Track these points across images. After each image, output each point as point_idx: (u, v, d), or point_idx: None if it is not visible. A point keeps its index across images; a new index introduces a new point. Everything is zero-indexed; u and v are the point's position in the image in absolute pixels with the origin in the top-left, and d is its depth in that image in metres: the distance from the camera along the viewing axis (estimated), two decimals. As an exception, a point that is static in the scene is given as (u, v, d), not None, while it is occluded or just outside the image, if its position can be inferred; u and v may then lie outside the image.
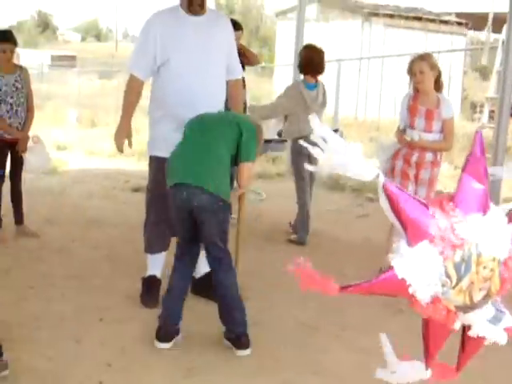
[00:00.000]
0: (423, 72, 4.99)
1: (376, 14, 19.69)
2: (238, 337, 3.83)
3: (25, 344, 3.76)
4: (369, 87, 17.56)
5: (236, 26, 5.62)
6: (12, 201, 6.07)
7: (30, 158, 6.06)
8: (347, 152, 2.62)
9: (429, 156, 5.07)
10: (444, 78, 5.30)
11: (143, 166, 11.02)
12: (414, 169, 5.10)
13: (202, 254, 4.73)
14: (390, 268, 2.96)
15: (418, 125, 5.07)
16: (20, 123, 5.90)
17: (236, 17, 62.92)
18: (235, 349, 3.82)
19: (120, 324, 4.16)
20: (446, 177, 9.99)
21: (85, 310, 4.33)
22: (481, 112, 14.27)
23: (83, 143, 13.69)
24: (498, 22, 22.56)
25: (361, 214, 7.56)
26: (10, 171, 6.05)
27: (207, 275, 4.76)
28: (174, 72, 4.28)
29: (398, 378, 3.38)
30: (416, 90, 5.13)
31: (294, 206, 6.43)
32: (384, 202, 3.05)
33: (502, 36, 9.47)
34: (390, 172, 5.17)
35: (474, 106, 20.26)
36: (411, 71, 5.07)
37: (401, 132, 5.19)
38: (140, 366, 3.60)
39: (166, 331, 3.89)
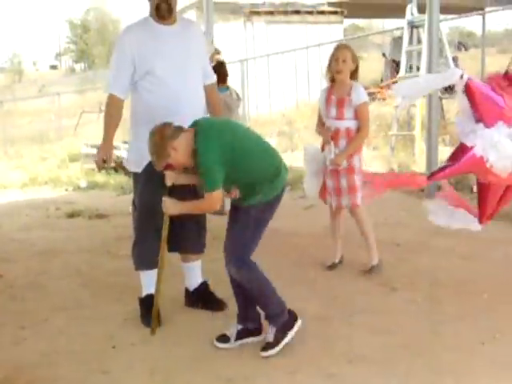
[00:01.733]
0: (345, 61, 4.97)
1: (257, 13, 19.85)
2: None
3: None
4: (257, 85, 17.66)
5: None
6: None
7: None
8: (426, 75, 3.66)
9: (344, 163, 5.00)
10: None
11: (61, 192, 10.70)
12: (331, 179, 5.09)
13: (195, 265, 4.65)
14: (469, 149, 3.72)
15: (331, 114, 5.05)
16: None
17: (92, 32, 60.22)
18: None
19: (135, 348, 3.99)
20: (369, 158, 10.24)
21: (91, 341, 4.11)
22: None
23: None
24: (375, 8, 23.38)
25: (308, 206, 7.61)
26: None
27: (201, 286, 4.67)
28: (157, 80, 4.19)
29: (448, 220, 4.06)
30: (331, 80, 5.11)
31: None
32: (462, 98, 3.75)
33: (407, 17, 9.93)
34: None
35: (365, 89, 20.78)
36: (333, 57, 5.01)
37: (321, 126, 5.19)
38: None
39: None
